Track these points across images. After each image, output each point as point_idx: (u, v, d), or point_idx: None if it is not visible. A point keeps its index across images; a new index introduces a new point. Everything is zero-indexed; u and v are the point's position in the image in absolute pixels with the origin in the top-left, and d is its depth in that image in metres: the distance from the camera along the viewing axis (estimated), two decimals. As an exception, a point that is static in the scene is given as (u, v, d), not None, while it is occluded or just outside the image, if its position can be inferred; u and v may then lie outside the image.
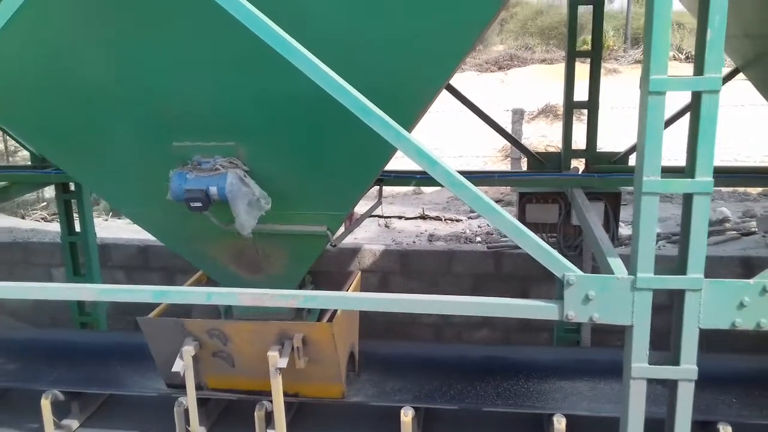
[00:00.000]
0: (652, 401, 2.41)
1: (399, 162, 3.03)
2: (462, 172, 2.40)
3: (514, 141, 4.95)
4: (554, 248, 2.37)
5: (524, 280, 5.93)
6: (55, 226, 6.74)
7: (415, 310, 2.64)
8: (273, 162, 2.80)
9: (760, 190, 8.56)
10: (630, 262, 2.32)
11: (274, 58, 2.17)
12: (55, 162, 3.68)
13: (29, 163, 5.22)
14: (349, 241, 5.94)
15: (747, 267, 5.63)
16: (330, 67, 2.20)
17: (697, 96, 2.13)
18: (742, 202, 8.28)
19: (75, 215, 5.41)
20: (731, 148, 10.52)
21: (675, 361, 2.35)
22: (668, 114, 2.56)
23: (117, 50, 2.63)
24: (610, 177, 4.10)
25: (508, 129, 8.67)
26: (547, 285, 5.49)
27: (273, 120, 2.68)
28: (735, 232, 6.83)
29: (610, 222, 4.19)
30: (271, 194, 2.84)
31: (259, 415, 3.32)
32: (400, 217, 8.06)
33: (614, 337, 4.83)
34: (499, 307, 2.44)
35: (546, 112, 14.00)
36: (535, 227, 4.25)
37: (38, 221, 8.71)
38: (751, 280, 2.25)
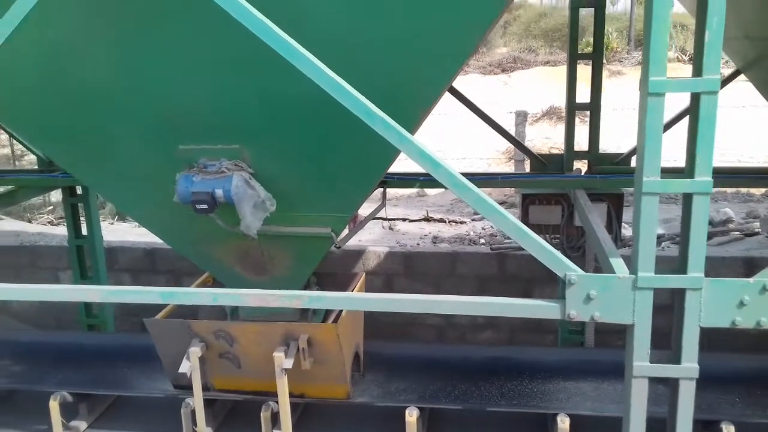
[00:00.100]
0: (654, 401, 2.42)
1: (403, 164, 3.04)
2: (465, 174, 2.42)
3: (517, 143, 4.95)
4: (557, 249, 2.39)
5: (528, 282, 5.94)
6: (62, 230, 6.76)
7: (418, 310, 2.66)
8: (278, 164, 2.82)
9: (763, 190, 8.54)
10: (631, 262, 2.34)
11: (278, 60, 2.18)
12: (62, 165, 3.71)
13: (36, 167, 5.26)
14: (353, 243, 5.95)
15: (750, 267, 5.61)
16: (330, 68, 2.20)
17: (696, 97, 2.15)
18: (746, 203, 8.27)
19: (82, 219, 5.44)
20: (732, 149, 10.50)
21: (676, 360, 2.36)
22: (668, 115, 2.58)
23: (122, 53, 2.65)
24: (613, 178, 4.11)
25: (512, 131, 8.67)
26: (551, 286, 5.49)
27: (277, 123, 2.70)
28: (738, 232, 6.81)
29: (613, 223, 4.20)
30: (276, 196, 2.86)
31: (265, 415, 3.34)
32: (404, 219, 8.07)
33: (618, 338, 4.83)
34: (502, 307, 2.46)
35: (549, 114, 13.96)
36: (538, 228, 4.26)
37: (45, 225, 8.75)
38: (751, 279, 2.27)
